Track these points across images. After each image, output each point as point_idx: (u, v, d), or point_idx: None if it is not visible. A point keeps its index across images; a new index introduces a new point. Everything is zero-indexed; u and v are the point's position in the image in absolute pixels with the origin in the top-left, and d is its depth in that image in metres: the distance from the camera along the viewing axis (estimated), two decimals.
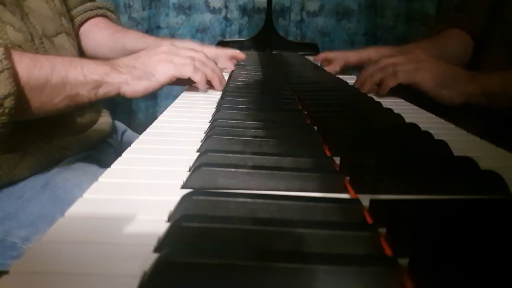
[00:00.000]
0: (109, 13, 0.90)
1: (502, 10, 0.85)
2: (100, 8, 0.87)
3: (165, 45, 0.63)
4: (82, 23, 0.84)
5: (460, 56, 0.91)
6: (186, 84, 0.68)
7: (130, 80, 0.55)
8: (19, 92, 0.44)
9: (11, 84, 0.43)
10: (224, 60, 0.85)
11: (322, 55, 1.00)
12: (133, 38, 0.84)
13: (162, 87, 0.59)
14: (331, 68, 0.93)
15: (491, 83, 0.63)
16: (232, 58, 0.89)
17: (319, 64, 1.08)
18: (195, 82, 0.63)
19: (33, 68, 0.47)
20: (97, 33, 0.85)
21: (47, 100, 0.49)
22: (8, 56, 0.44)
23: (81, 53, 0.84)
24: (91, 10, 0.85)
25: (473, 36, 0.91)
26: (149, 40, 0.84)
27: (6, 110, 0.43)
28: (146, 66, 0.58)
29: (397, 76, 0.64)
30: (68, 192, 0.57)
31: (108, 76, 0.53)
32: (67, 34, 0.70)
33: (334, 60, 0.95)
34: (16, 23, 0.58)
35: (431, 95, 0.64)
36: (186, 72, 0.59)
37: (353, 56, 0.93)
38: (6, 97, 0.42)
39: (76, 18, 0.82)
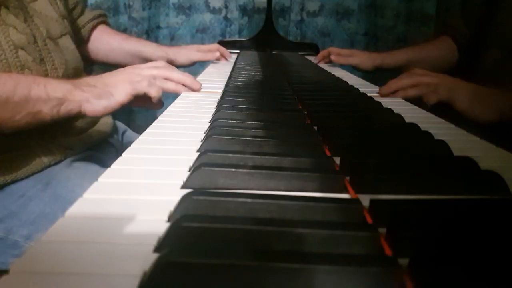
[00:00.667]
0: (107, 20, 0.94)
1: (497, 12, 0.86)
2: (104, 15, 0.92)
3: (129, 67, 0.63)
4: (92, 29, 0.88)
5: (442, 63, 0.97)
6: (146, 104, 0.66)
7: (91, 99, 0.55)
8: None
9: None
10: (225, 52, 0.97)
11: (324, 52, 1.08)
12: (149, 46, 0.93)
13: (121, 106, 0.58)
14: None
15: None
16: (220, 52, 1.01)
17: (316, 62, 1.11)
18: (150, 104, 0.63)
19: None
20: (109, 38, 0.90)
21: (9, 117, 0.49)
22: None
23: (85, 57, 0.85)
24: (96, 18, 0.89)
25: (456, 41, 0.96)
26: (164, 48, 0.95)
27: None
28: (106, 86, 0.58)
29: (438, 93, 0.66)
30: (70, 191, 0.57)
31: (70, 94, 0.53)
32: (71, 36, 0.71)
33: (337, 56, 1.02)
34: (20, 25, 0.58)
35: (467, 115, 0.66)
36: (141, 88, 0.59)
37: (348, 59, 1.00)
38: None
39: (87, 25, 0.86)
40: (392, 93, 0.68)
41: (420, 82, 0.68)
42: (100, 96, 0.56)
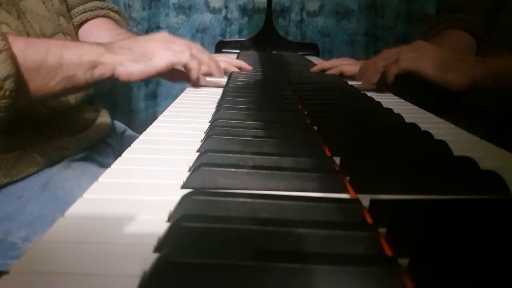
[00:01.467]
0: (111, 14, 0.86)
1: (501, 10, 0.85)
2: (101, 8, 0.84)
3: (163, 33, 0.62)
4: (81, 23, 0.81)
5: None
6: (179, 79, 0.67)
7: (126, 62, 0.53)
8: (17, 74, 0.43)
9: (10, 65, 0.42)
10: (232, 68, 0.84)
11: (318, 67, 0.93)
12: None
13: (158, 73, 0.57)
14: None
15: (498, 64, 0.62)
16: (238, 68, 0.87)
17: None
18: (188, 80, 0.62)
19: (27, 50, 0.46)
20: (97, 35, 0.82)
21: (44, 83, 0.48)
22: (5, 37, 0.43)
23: None
24: (91, 10, 0.82)
25: (474, 36, 0.89)
26: None
27: (7, 93, 0.42)
28: (143, 50, 0.56)
29: (399, 63, 0.63)
30: (68, 192, 0.57)
31: (103, 57, 0.52)
32: (64, 34, 0.70)
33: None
34: (12, 22, 0.58)
35: (436, 82, 0.62)
36: (184, 58, 0.58)
37: (348, 69, 0.87)
38: (5, 79, 0.41)
39: (75, 18, 0.80)
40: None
41: (385, 55, 0.66)
42: (136, 59, 0.54)
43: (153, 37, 0.60)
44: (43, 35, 0.63)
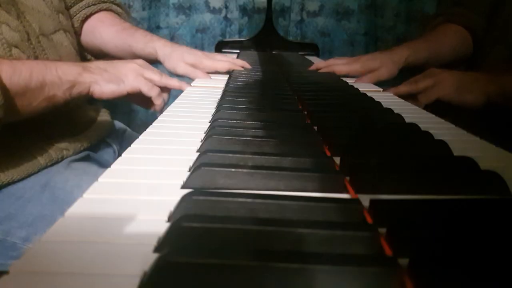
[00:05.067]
0: (114, 7, 0.86)
1: (502, 8, 0.85)
2: (103, 2, 0.84)
3: (140, 60, 0.66)
4: (85, 19, 0.81)
5: (458, 53, 0.90)
6: (138, 103, 0.71)
7: (100, 81, 0.58)
8: (6, 103, 0.46)
9: (1, 96, 0.45)
10: (236, 67, 0.84)
11: (313, 68, 0.93)
12: (141, 41, 0.81)
13: (127, 94, 0.61)
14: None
15: (510, 83, 0.66)
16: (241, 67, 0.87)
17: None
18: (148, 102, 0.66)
19: (13, 75, 0.48)
20: (103, 30, 0.82)
21: (27, 104, 0.51)
22: None
23: (82, 51, 0.83)
24: (94, 4, 0.82)
25: (471, 31, 0.89)
26: (157, 44, 0.80)
27: None
28: (117, 72, 0.60)
29: (419, 100, 0.68)
30: (68, 192, 0.57)
31: (81, 76, 0.56)
32: (65, 31, 0.70)
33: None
34: (12, 22, 0.58)
35: (454, 103, 0.68)
36: (152, 93, 0.63)
37: (340, 69, 0.86)
38: None
39: (77, 14, 0.80)
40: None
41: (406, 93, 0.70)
42: (109, 80, 0.59)
43: (129, 61, 0.64)
44: (42, 34, 0.63)
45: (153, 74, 0.64)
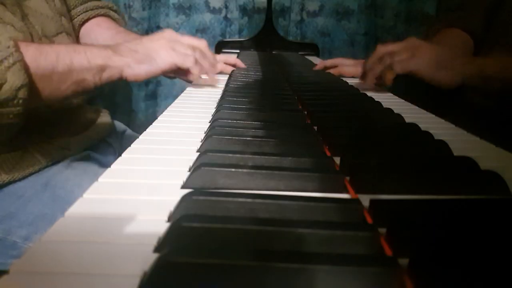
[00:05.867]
0: (111, 13, 0.88)
1: (500, 10, 0.85)
2: (101, 7, 0.86)
3: (168, 31, 0.63)
4: (83, 23, 0.83)
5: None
6: (179, 77, 0.69)
7: (132, 64, 0.56)
8: (30, 83, 0.45)
9: (24, 76, 0.44)
10: (228, 69, 0.85)
11: (320, 65, 0.94)
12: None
13: (162, 73, 0.59)
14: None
15: (488, 65, 0.64)
16: (233, 66, 0.88)
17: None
18: (184, 73, 0.64)
19: (39, 58, 0.47)
20: (98, 33, 0.83)
21: (55, 88, 0.50)
22: (17, 47, 0.45)
23: None
24: (92, 9, 0.83)
25: (473, 36, 0.90)
26: None
27: (20, 101, 0.44)
28: (148, 50, 0.58)
29: (394, 67, 0.65)
30: (69, 192, 0.57)
31: (111, 60, 0.54)
32: (67, 34, 0.70)
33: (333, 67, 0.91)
34: (17, 23, 0.58)
35: (428, 80, 0.65)
36: (188, 63, 0.61)
37: (347, 71, 0.87)
38: (19, 88, 0.43)
39: (76, 18, 0.81)
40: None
41: (380, 57, 0.67)
42: (141, 61, 0.57)
43: (158, 36, 0.62)
44: (45, 36, 0.63)
45: (186, 49, 0.62)
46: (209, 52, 0.67)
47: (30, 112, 0.57)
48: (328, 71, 0.87)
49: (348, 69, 0.84)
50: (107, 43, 0.81)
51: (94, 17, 0.84)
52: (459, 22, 0.91)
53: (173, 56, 0.60)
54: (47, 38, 0.64)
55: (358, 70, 0.81)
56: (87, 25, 0.84)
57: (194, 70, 0.62)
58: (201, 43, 0.66)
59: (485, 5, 0.88)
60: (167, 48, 0.60)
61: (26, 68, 0.45)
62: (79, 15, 0.82)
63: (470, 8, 0.91)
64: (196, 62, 0.62)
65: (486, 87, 0.64)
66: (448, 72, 0.65)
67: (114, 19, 0.89)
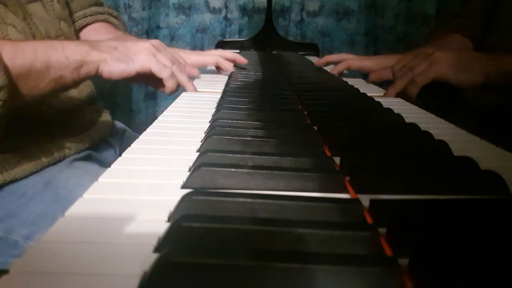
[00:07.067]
0: (111, 19, 0.88)
1: (496, 15, 0.85)
2: (101, 13, 0.86)
3: (155, 40, 0.63)
4: (82, 28, 0.83)
5: None
6: (150, 84, 0.68)
7: (109, 60, 0.55)
8: (10, 84, 0.44)
9: (3, 77, 0.43)
10: (224, 62, 0.83)
11: (324, 60, 0.94)
12: None
13: (136, 75, 0.59)
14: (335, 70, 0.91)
15: (508, 63, 0.65)
16: (232, 61, 0.86)
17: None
18: (159, 84, 0.63)
19: (15, 56, 0.46)
20: (95, 37, 0.83)
21: (34, 86, 0.49)
22: None
23: None
24: (92, 15, 0.83)
25: (473, 41, 0.91)
26: None
27: (1, 103, 0.43)
28: (128, 51, 0.58)
29: (415, 82, 0.65)
30: (70, 191, 0.57)
31: (89, 55, 0.54)
32: (65, 39, 0.70)
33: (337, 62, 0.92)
34: (19, 24, 0.58)
35: (452, 83, 0.65)
36: (163, 73, 0.60)
37: (354, 63, 0.87)
38: (0, 89, 0.43)
39: (75, 23, 0.81)
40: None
41: (400, 74, 0.68)
42: (119, 58, 0.56)
43: (143, 41, 0.62)
44: (48, 37, 0.63)
45: (166, 60, 0.61)
46: (181, 74, 0.65)
47: (32, 112, 0.57)
48: (335, 68, 0.86)
49: (355, 61, 0.83)
50: None
51: (93, 22, 0.84)
52: (459, 28, 0.93)
53: (152, 61, 0.59)
54: (50, 39, 0.64)
55: (365, 63, 0.81)
56: (86, 31, 0.84)
57: (168, 83, 0.62)
58: (181, 60, 0.66)
59: (481, 11, 0.90)
60: (147, 53, 0.59)
61: (6, 69, 0.44)
62: (77, 21, 0.82)
63: (469, 15, 0.93)
64: (172, 75, 0.62)
65: (507, 84, 0.65)
66: (470, 72, 0.65)
67: (114, 25, 0.89)
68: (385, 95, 0.69)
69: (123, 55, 0.57)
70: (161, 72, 0.60)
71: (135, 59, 0.58)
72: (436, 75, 0.65)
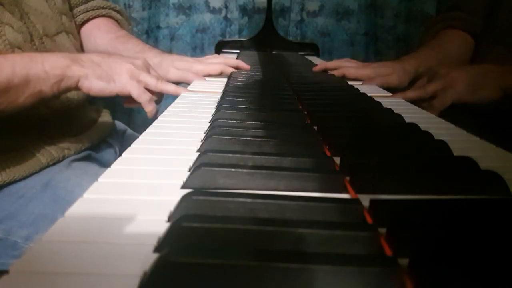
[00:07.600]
0: (113, 13, 0.86)
1: (498, 8, 0.84)
2: (103, 8, 0.84)
3: (141, 59, 0.62)
4: (83, 23, 0.82)
5: (464, 58, 0.90)
6: (127, 100, 0.66)
7: (90, 76, 0.55)
8: None
9: None
10: (229, 70, 0.80)
11: (320, 67, 0.91)
12: (131, 50, 0.79)
13: (115, 95, 0.58)
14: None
15: None
16: (235, 67, 0.83)
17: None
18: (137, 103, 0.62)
19: None
20: (98, 36, 0.82)
21: (12, 100, 0.49)
22: None
23: (83, 52, 0.83)
24: (93, 10, 0.82)
25: (472, 35, 0.90)
26: (147, 54, 0.77)
27: None
28: (110, 69, 0.57)
29: (433, 107, 0.65)
30: (69, 192, 0.57)
31: (69, 69, 0.53)
32: (67, 33, 0.70)
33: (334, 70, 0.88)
34: (16, 23, 0.58)
35: (471, 102, 0.65)
36: (142, 98, 0.59)
37: (350, 72, 0.84)
38: None
39: (76, 17, 0.80)
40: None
41: (417, 99, 0.67)
42: (100, 76, 0.55)
43: (129, 59, 0.60)
44: (46, 35, 0.63)
45: (149, 78, 0.60)
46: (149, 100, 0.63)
47: (30, 113, 0.57)
48: (330, 72, 0.84)
49: (351, 70, 0.81)
50: (105, 47, 0.81)
51: (94, 17, 0.83)
52: (459, 22, 0.91)
53: (132, 85, 0.58)
54: (48, 37, 0.64)
55: (361, 72, 0.80)
56: (87, 26, 0.82)
57: (147, 108, 0.61)
58: (159, 82, 0.64)
59: (485, 4, 0.88)
60: (130, 75, 0.58)
61: None
62: (79, 15, 0.80)
63: (469, 8, 0.90)
64: (151, 100, 0.61)
65: None
66: (487, 89, 0.65)
67: (116, 20, 0.87)
68: (392, 96, 0.69)
69: (105, 74, 0.56)
70: (140, 97, 0.59)
71: (117, 79, 0.57)
72: (454, 99, 0.65)
